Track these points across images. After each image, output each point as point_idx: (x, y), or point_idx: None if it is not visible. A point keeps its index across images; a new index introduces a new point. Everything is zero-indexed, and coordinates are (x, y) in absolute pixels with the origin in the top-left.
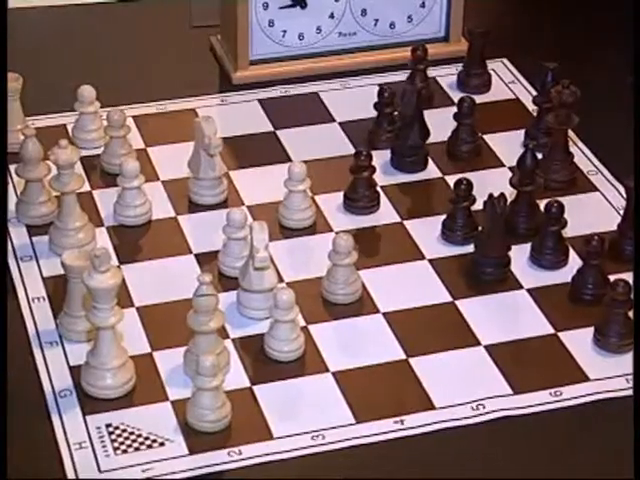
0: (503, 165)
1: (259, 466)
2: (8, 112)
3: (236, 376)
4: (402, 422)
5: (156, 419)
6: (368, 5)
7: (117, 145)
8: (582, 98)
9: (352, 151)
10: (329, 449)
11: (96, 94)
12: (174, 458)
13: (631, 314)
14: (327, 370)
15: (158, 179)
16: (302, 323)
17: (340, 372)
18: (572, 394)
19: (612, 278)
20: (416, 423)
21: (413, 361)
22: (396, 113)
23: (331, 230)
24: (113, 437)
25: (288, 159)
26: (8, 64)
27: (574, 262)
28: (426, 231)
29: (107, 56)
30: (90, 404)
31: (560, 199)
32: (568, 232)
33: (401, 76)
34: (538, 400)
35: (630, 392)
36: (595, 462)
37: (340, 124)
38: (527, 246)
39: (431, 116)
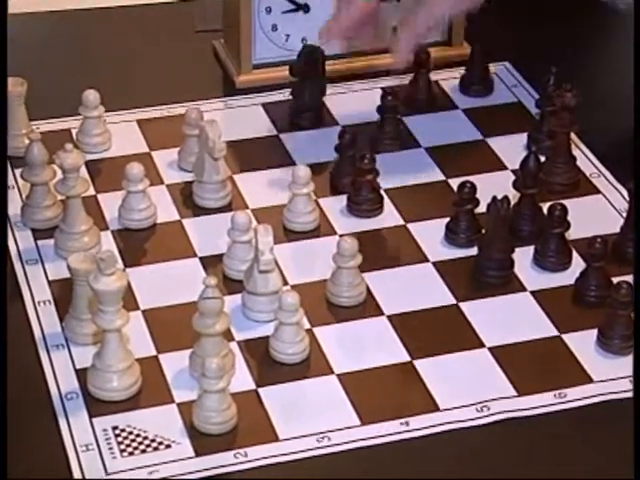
0: (506, 168)
1: (265, 468)
2: (13, 117)
3: (241, 378)
4: (407, 424)
5: (162, 421)
6: None
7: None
8: (584, 101)
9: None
10: (335, 451)
11: (100, 98)
12: (180, 460)
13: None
14: (332, 372)
15: (162, 183)
16: (307, 326)
17: (345, 374)
18: (576, 396)
19: (615, 280)
20: (421, 425)
21: (417, 363)
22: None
23: (335, 233)
24: (119, 439)
25: (292, 162)
26: (14, 69)
27: (577, 264)
28: (430, 234)
29: (111, 61)
30: (96, 406)
31: (563, 202)
32: (571, 235)
33: (404, 80)
34: (542, 402)
35: None
36: (599, 463)
37: (344, 127)
38: (530, 249)
39: (434, 120)
